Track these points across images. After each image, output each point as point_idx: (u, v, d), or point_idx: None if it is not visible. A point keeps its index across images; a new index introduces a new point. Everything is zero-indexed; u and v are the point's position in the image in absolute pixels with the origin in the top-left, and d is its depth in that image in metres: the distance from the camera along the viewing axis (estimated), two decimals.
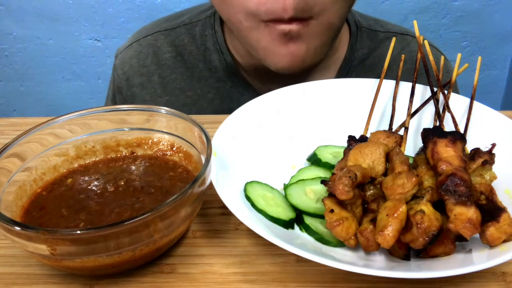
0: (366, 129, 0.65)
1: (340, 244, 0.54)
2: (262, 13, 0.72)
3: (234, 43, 0.92)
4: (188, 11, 1.02)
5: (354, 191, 0.52)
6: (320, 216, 0.57)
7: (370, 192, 0.56)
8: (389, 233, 0.49)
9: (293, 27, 0.73)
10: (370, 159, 0.57)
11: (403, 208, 0.50)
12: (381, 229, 0.49)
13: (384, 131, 0.62)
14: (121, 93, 0.99)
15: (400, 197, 0.52)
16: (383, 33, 0.98)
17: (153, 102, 0.95)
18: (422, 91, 0.72)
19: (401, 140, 0.62)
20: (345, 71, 0.94)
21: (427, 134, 0.58)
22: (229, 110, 0.68)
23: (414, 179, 0.52)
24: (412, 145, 0.67)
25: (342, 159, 0.60)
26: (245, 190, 0.58)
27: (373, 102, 0.68)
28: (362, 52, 0.95)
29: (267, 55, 0.78)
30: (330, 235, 0.53)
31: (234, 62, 0.93)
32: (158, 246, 0.51)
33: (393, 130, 0.64)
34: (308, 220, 0.57)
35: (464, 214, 0.49)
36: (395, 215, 0.49)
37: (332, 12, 0.75)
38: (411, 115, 0.66)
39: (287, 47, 0.76)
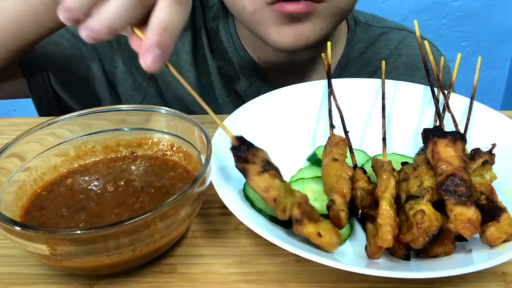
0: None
1: None
2: None
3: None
4: None
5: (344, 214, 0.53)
6: None
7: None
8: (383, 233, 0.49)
9: (301, 7, 0.73)
10: (337, 178, 0.57)
11: (385, 206, 0.51)
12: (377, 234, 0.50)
13: (331, 140, 0.63)
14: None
15: (383, 197, 0.53)
16: (380, 28, 1.00)
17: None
18: (423, 91, 0.72)
19: (348, 141, 0.63)
20: (343, 65, 0.96)
21: (427, 134, 0.58)
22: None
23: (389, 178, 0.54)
24: (412, 145, 0.67)
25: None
26: (244, 189, 0.58)
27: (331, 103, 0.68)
28: (360, 46, 0.97)
29: (271, 34, 0.78)
30: None
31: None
32: (158, 246, 0.51)
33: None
34: None
35: (464, 214, 0.49)
36: (382, 215, 0.50)
37: None
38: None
39: (291, 26, 0.76)
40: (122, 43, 0.94)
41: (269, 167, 0.51)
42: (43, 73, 0.92)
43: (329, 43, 0.76)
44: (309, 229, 0.49)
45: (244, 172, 0.51)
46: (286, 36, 0.77)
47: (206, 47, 0.95)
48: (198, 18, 0.95)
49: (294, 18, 0.75)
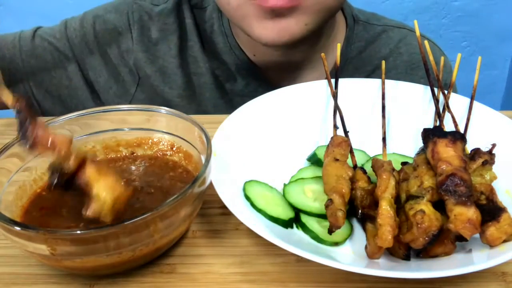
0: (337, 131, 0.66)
1: (334, 244, 0.55)
2: None
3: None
4: None
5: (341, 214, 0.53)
6: (316, 215, 0.58)
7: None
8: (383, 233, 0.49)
9: (282, 2, 0.73)
10: (337, 178, 0.57)
11: (384, 206, 0.51)
12: (377, 234, 0.50)
13: (333, 141, 0.63)
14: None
15: (383, 197, 0.53)
16: (380, 26, 0.99)
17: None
18: (423, 91, 0.72)
19: (348, 141, 0.63)
20: (342, 63, 0.95)
21: (427, 134, 0.58)
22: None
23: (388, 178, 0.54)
24: (412, 145, 0.67)
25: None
26: (244, 189, 0.58)
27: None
28: (359, 45, 0.96)
29: (254, 29, 0.78)
30: (325, 234, 0.53)
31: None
32: (158, 246, 0.51)
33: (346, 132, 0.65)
34: (304, 218, 0.57)
35: (464, 214, 0.49)
36: (382, 215, 0.50)
37: None
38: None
39: (275, 21, 0.76)
40: (107, 57, 0.96)
41: None
42: (25, 85, 0.94)
43: (338, 45, 0.76)
44: None
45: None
46: (270, 31, 0.77)
47: (198, 49, 0.95)
48: (187, 20, 0.95)
49: (277, 13, 0.75)
